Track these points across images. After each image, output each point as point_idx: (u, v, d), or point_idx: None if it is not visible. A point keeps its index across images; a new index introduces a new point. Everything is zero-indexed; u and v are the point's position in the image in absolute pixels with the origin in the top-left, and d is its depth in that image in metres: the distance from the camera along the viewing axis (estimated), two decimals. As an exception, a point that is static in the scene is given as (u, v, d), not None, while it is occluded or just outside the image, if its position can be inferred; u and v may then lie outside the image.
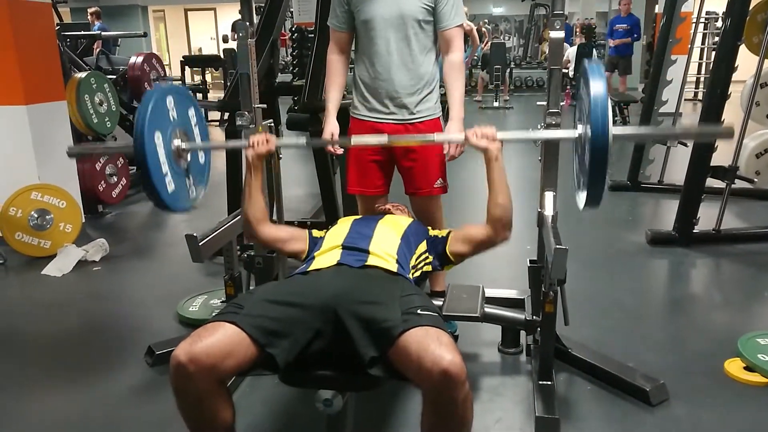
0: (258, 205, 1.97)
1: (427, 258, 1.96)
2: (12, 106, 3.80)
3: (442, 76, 2.38)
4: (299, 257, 1.95)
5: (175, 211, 1.97)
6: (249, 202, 1.97)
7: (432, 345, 1.35)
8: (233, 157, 3.52)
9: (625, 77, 9.44)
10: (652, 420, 2.04)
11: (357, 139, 2.16)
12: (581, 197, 1.82)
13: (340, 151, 2.41)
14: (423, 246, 1.97)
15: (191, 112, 2.08)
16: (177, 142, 1.97)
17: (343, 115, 2.48)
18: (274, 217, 2.64)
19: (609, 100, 1.66)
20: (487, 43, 12.78)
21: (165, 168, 1.89)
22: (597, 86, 1.65)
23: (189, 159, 2.03)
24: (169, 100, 1.95)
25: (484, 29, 14.87)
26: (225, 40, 3.08)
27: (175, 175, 1.94)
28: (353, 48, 2.47)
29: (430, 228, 2.10)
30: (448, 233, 1.99)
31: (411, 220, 2.12)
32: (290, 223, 3.62)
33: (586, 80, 1.75)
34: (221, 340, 1.43)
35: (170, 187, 1.91)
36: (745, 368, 2.30)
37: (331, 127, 2.40)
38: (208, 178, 2.25)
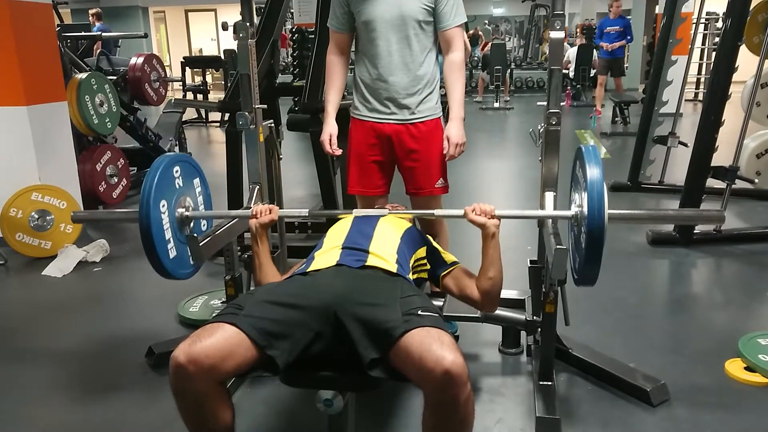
0: (271, 274, 1.96)
1: (425, 265, 1.97)
2: (13, 106, 3.80)
3: (443, 75, 2.38)
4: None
5: (175, 278, 1.99)
6: (261, 274, 1.97)
7: (434, 345, 1.35)
8: (234, 159, 3.52)
9: (621, 78, 9.42)
10: (653, 420, 2.04)
11: (359, 212, 2.07)
12: (577, 275, 1.84)
13: (339, 151, 2.41)
14: (422, 251, 1.97)
15: (196, 181, 2.13)
16: (182, 210, 1.99)
17: (343, 116, 2.49)
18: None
19: (604, 186, 1.69)
20: (485, 46, 12.79)
21: (168, 235, 1.91)
22: (593, 172, 1.69)
23: (192, 226, 2.06)
24: (176, 169, 1.98)
25: (480, 32, 14.89)
26: (224, 27, 3.09)
27: (177, 242, 1.96)
28: (353, 49, 2.48)
29: (432, 239, 2.09)
30: (453, 265, 1.98)
31: (410, 224, 2.11)
32: (290, 225, 3.65)
33: (582, 164, 1.77)
34: (221, 341, 1.43)
35: (172, 253, 1.94)
36: (745, 368, 2.30)
37: (330, 128, 2.40)
38: None
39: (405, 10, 2.26)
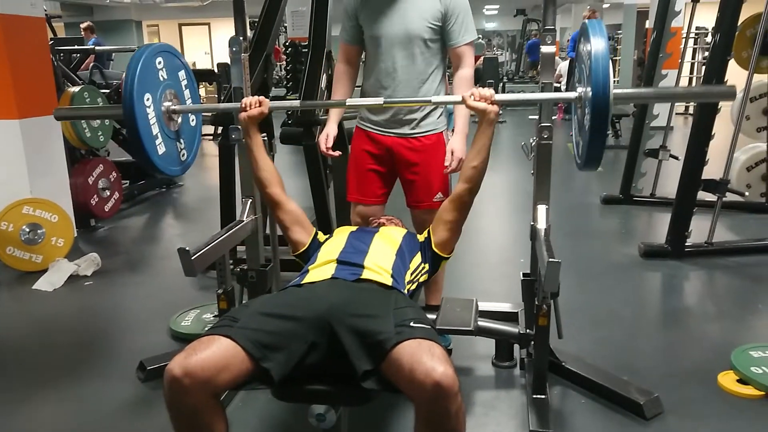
0: (267, 166, 2.00)
1: (423, 268, 1.97)
2: (5, 120, 3.79)
3: (452, 90, 2.39)
4: (296, 247, 1.99)
5: (166, 174, 1.96)
6: (256, 165, 2.01)
7: (424, 357, 1.35)
8: (227, 172, 3.52)
9: None
10: (647, 433, 2.04)
11: (352, 101, 2.19)
12: (581, 159, 1.81)
13: (335, 153, 2.40)
14: (418, 258, 1.98)
15: (182, 73, 2.06)
16: (168, 104, 1.94)
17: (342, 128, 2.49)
18: (267, 230, 2.64)
19: (609, 62, 1.64)
20: (477, 60, 12.88)
21: (155, 130, 1.86)
22: (598, 44, 1.62)
23: (180, 122, 2.01)
24: (159, 61, 1.92)
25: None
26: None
27: (165, 138, 1.91)
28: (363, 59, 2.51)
29: (418, 235, 2.10)
30: (428, 232, 2.01)
31: (405, 231, 2.12)
32: (284, 238, 3.63)
33: (586, 38, 1.73)
34: (216, 353, 1.42)
35: (161, 149, 1.88)
36: (738, 381, 2.31)
37: (329, 129, 2.42)
38: (198, 143, 2.24)
39: (411, 28, 2.27)
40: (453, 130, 2.36)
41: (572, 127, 1.90)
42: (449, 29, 2.30)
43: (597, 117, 1.62)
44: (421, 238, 2.05)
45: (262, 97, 2.04)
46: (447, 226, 1.96)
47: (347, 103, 2.23)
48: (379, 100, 2.13)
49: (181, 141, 2.07)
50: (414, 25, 2.27)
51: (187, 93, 2.08)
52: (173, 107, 1.97)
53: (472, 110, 1.92)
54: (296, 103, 2.17)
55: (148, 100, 1.84)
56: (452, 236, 1.97)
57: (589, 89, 1.64)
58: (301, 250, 1.99)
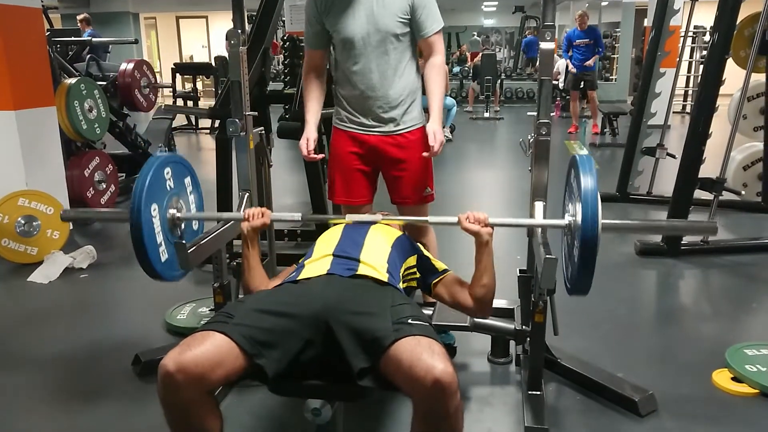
0: (259, 278, 1.95)
1: (414, 273, 1.97)
2: (1, 111, 3.77)
3: (424, 78, 2.38)
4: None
5: (167, 281, 1.97)
6: (250, 277, 1.95)
7: (424, 354, 1.35)
8: (224, 166, 3.51)
9: (594, 92, 9.12)
10: (641, 430, 2.05)
11: (351, 217, 2.05)
12: (569, 284, 1.85)
13: (317, 156, 2.37)
14: (413, 260, 1.97)
15: (187, 180, 2.10)
16: (173, 211, 1.97)
17: (327, 123, 2.47)
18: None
19: (598, 196, 1.69)
20: (474, 57, 12.86)
21: (159, 238, 1.89)
22: (587, 182, 1.70)
23: (183, 228, 2.04)
24: (167, 171, 1.96)
25: (467, 53, 15.00)
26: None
27: (168, 245, 1.94)
28: (332, 61, 2.47)
29: (422, 247, 2.09)
30: (444, 272, 1.98)
31: (401, 232, 2.11)
32: (280, 232, 3.64)
33: (576, 174, 1.78)
34: (210, 349, 1.41)
35: (163, 256, 1.92)
36: (732, 379, 2.32)
37: (308, 133, 2.35)
38: None
39: (382, 26, 2.25)
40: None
41: (561, 250, 1.95)
42: (418, 20, 2.28)
43: (586, 248, 1.67)
44: (431, 257, 2.03)
45: (264, 209, 2.01)
46: (451, 300, 1.94)
47: (347, 219, 2.04)
48: (377, 217, 2.02)
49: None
50: (384, 21, 2.24)
51: (191, 198, 2.11)
52: (178, 215, 1.99)
53: (466, 232, 1.88)
54: (297, 215, 2.13)
55: (154, 210, 1.88)
56: (447, 304, 1.97)
57: (578, 220, 1.70)
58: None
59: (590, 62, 8.83)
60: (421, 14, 2.27)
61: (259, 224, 1.97)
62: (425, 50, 2.35)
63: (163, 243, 1.92)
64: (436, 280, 1.97)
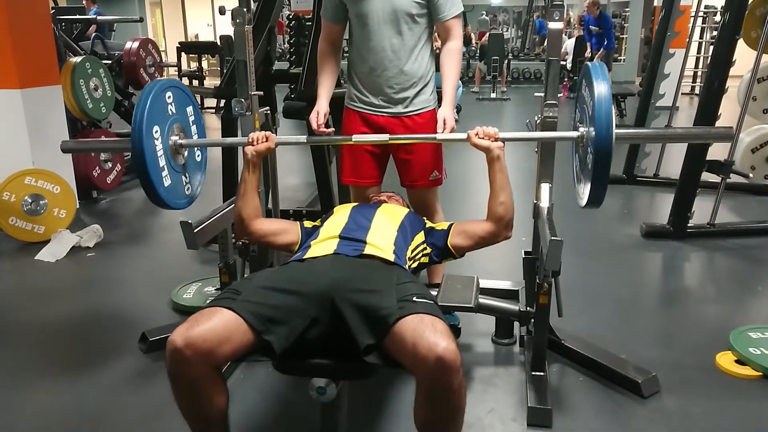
0: (252, 204, 1.95)
1: (424, 249, 1.97)
2: (6, 89, 3.77)
3: (439, 62, 2.36)
4: (290, 249, 1.95)
5: (170, 207, 1.96)
6: (243, 200, 1.95)
7: (427, 332, 1.36)
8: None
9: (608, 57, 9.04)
10: (644, 412, 2.06)
11: (358, 138, 2.14)
12: (583, 197, 1.83)
13: (327, 130, 2.36)
14: (420, 237, 1.98)
15: (189, 109, 2.08)
16: (175, 138, 1.96)
17: (337, 104, 2.47)
18: (269, 205, 2.63)
19: (612, 104, 1.66)
20: (482, 36, 12.75)
21: (162, 162, 1.88)
22: (600, 87, 1.65)
23: (186, 156, 2.02)
24: (168, 95, 1.94)
25: (472, 33, 14.85)
26: (222, 12, 3.04)
27: (171, 171, 1.93)
28: (346, 38, 2.46)
29: (427, 220, 2.10)
30: (450, 226, 2.00)
31: (407, 210, 2.12)
32: (285, 212, 3.64)
33: (588, 81, 1.74)
34: (218, 325, 1.42)
35: (167, 182, 1.90)
36: (736, 361, 2.32)
37: (320, 107, 2.35)
38: (203, 179, 2.25)
39: (397, 5, 2.23)
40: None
41: (572, 167, 1.92)
42: (436, 3, 2.25)
43: (600, 158, 1.65)
44: (435, 226, 2.05)
45: (268, 132, 2.01)
46: (471, 239, 1.96)
47: (353, 140, 2.14)
48: (384, 137, 2.10)
49: (187, 175, 2.09)
50: (400, 1, 2.23)
51: (194, 129, 2.10)
52: (180, 141, 1.98)
53: (476, 148, 1.89)
54: (303, 138, 2.14)
55: (156, 132, 1.87)
56: (470, 247, 1.98)
57: (591, 129, 1.67)
58: (297, 246, 1.95)
59: (599, 54, 8.80)
60: None
61: (264, 148, 1.98)
62: (442, 34, 2.33)
63: (165, 168, 1.90)
64: (448, 236, 1.98)
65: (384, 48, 2.28)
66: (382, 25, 2.25)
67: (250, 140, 1.98)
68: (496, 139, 1.86)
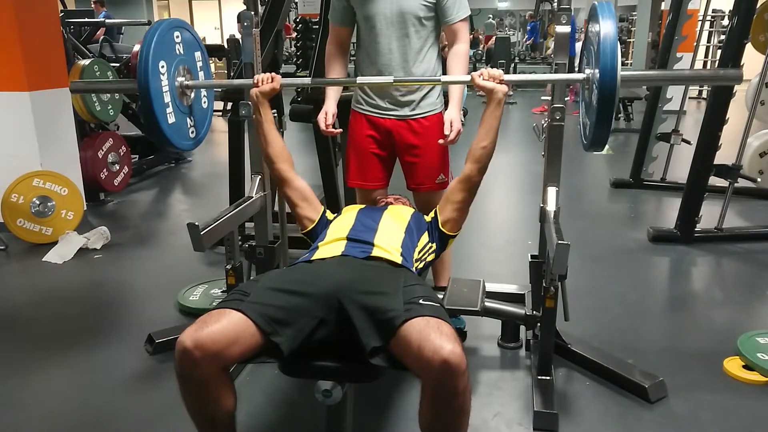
0: (277, 143, 2.02)
1: (430, 247, 1.98)
2: (15, 92, 3.79)
3: (446, 65, 2.37)
4: (304, 224, 1.99)
5: (173, 146, 1.95)
6: (266, 141, 2.02)
7: (433, 335, 1.35)
8: (236, 148, 3.51)
9: None
10: (651, 417, 2.05)
11: (362, 79, 2.17)
12: (587, 139, 1.82)
13: (335, 131, 2.37)
14: (425, 237, 1.98)
15: (197, 54, 2.08)
16: (181, 78, 1.96)
17: (344, 107, 2.47)
18: (276, 208, 2.64)
19: (618, 44, 1.65)
20: (488, 40, 12.76)
21: (167, 99, 1.87)
22: (606, 26, 1.64)
23: (192, 98, 2.02)
24: (176, 35, 1.94)
25: (480, 35, 14.86)
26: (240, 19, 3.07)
27: (176, 110, 1.92)
28: (354, 41, 2.46)
29: (424, 216, 2.10)
30: (434, 210, 2.02)
31: (413, 210, 2.12)
32: (291, 215, 3.64)
33: (595, 20, 1.73)
34: (227, 327, 1.43)
35: (171, 119, 1.89)
36: (744, 367, 2.31)
37: (328, 108, 2.36)
38: (209, 124, 2.25)
39: (405, 7, 2.23)
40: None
41: (579, 108, 1.91)
42: (444, 6, 2.26)
43: (604, 98, 1.63)
44: (427, 218, 2.05)
45: (273, 74, 2.04)
46: (455, 206, 1.97)
47: (358, 82, 2.20)
48: (389, 79, 2.11)
49: (192, 118, 2.08)
50: (408, 3, 2.23)
51: (201, 74, 2.09)
52: (186, 82, 1.98)
53: (480, 89, 1.91)
54: (307, 80, 2.16)
55: (162, 67, 1.86)
56: (459, 216, 1.98)
57: (597, 71, 1.64)
58: (310, 228, 1.99)
59: None
60: (447, 0, 2.25)
61: (269, 89, 2.01)
62: (449, 37, 2.33)
63: (170, 105, 1.90)
64: (437, 220, 1.99)
65: (391, 50, 2.28)
66: (389, 28, 2.26)
67: (255, 81, 2.02)
68: (501, 81, 1.87)
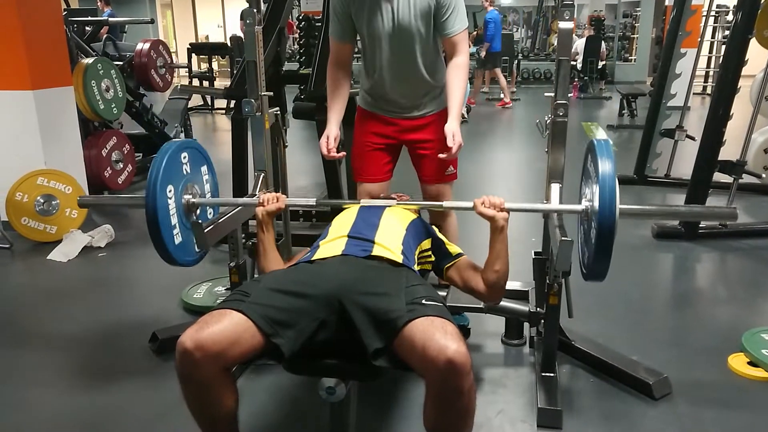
0: (275, 261, 1.96)
1: (429, 257, 1.97)
2: (19, 90, 3.80)
3: (446, 76, 2.35)
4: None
5: (179, 265, 1.99)
6: (265, 260, 1.97)
7: (437, 334, 1.35)
8: (239, 146, 3.51)
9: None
10: (655, 413, 2.04)
11: (366, 202, 2.08)
12: (585, 269, 1.84)
13: (339, 155, 2.36)
14: (427, 243, 1.98)
15: (204, 168, 2.12)
16: (188, 197, 1.99)
17: (350, 106, 2.47)
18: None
19: (616, 182, 1.68)
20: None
21: (174, 221, 1.91)
22: (605, 166, 1.69)
23: (198, 213, 2.05)
24: (184, 155, 1.98)
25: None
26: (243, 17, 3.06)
27: (183, 229, 1.96)
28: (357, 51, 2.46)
29: (437, 230, 2.09)
30: (457, 257, 1.99)
31: (416, 216, 2.10)
32: (295, 213, 3.65)
33: (594, 158, 1.77)
34: (228, 327, 1.43)
35: (177, 239, 1.93)
36: (748, 363, 2.30)
37: (330, 131, 2.30)
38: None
39: (407, 24, 2.21)
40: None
41: (577, 236, 1.93)
42: (443, 20, 2.23)
43: (603, 235, 1.66)
44: (445, 241, 2.04)
45: (279, 194, 2.03)
46: (463, 284, 1.96)
47: (361, 203, 2.07)
48: (391, 202, 2.07)
49: None
50: (410, 19, 2.21)
51: (207, 187, 2.13)
52: (193, 200, 2.00)
53: (481, 217, 1.88)
54: (312, 201, 2.15)
55: (170, 191, 1.90)
56: (457, 286, 1.99)
57: (596, 205, 1.68)
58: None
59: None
60: (445, 14, 2.23)
61: (274, 209, 1.99)
62: (448, 49, 2.31)
63: (177, 226, 1.94)
64: (449, 264, 1.97)
65: (394, 66, 2.28)
66: (391, 44, 2.25)
67: (261, 201, 1.99)
68: (502, 209, 1.85)
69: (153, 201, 1.83)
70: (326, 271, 1.64)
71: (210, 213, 2.23)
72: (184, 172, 1.99)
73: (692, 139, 4.60)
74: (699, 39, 5.36)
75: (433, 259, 1.99)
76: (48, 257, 3.52)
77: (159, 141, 5.32)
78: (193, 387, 1.45)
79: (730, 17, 8.89)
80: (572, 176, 2.08)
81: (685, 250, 3.61)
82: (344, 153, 2.34)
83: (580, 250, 1.93)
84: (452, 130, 2.17)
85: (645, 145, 5.06)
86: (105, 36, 6.16)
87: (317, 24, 4.13)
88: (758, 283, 3.21)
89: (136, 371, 2.34)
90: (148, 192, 1.83)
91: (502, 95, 10.38)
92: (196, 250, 2.05)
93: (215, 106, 10.21)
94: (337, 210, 2.12)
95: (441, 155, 2.19)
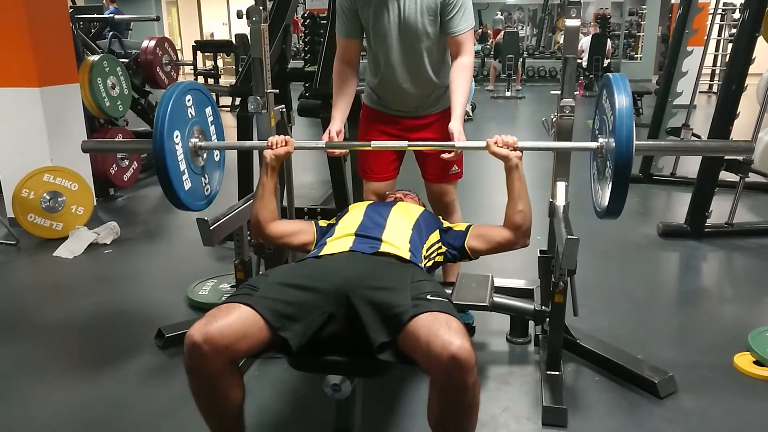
0: (269, 208, 1.96)
1: (440, 248, 1.97)
2: (25, 88, 3.81)
3: (450, 76, 2.35)
4: (307, 248, 1.96)
5: (190, 209, 1.98)
6: (260, 203, 1.95)
7: (441, 330, 1.36)
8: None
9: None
10: (660, 412, 2.04)
11: (377, 144, 2.13)
12: (600, 206, 1.83)
13: (343, 152, 2.34)
14: (435, 236, 1.98)
15: (208, 110, 2.10)
16: (195, 140, 1.98)
17: (355, 101, 2.47)
18: (284, 203, 2.64)
19: (633, 117, 1.67)
20: (496, 34, 12.65)
21: (183, 166, 1.90)
22: (622, 100, 1.67)
23: (205, 157, 2.04)
24: (188, 98, 1.96)
25: (489, 31, 14.79)
26: (239, 15, 3.03)
27: (191, 174, 1.95)
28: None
29: (443, 219, 2.10)
30: (468, 228, 2.00)
31: (422, 209, 2.12)
32: (300, 210, 3.65)
33: (609, 92, 1.74)
34: (236, 321, 1.43)
35: (187, 185, 1.93)
36: (754, 362, 2.29)
37: (334, 127, 2.28)
38: (221, 178, 2.27)
39: (413, 22, 2.21)
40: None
41: (590, 173, 1.92)
42: (449, 19, 2.22)
43: (619, 171, 1.65)
44: (452, 225, 2.05)
45: (287, 137, 2.01)
46: (488, 244, 1.97)
47: (372, 146, 2.13)
48: (403, 143, 2.10)
49: (206, 176, 2.11)
50: (416, 18, 2.20)
51: (212, 129, 2.12)
52: (200, 144, 2.00)
53: (495, 156, 1.89)
54: (321, 143, 2.14)
55: (177, 137, 1.89)
56: (487, 251, 1.99)
57: (611, 140, 1.67)
58: (314, 244, 1.96)
59: None
60: (451, 12, 2.22)
61: (283, 152, 1.99)
62: (453, 48, 2.30)
63: (186, 171, 1.93)
64: (466, 237, 1.98)
65: (400, 64, 2.28)
66: (397, 42, 2.25)
67: (270, 144, 1.98)
68: (515, 148, 1.86)
69: (161, 147, 1.81)
70: (334, 265, 1.65)
71: (217, 154, 2.21)
72: (189, 115, 1.96)
73: (698, 137, 4.58)
74: (705, 37, 5.34)
75: (444, 249, 1.99)
76: (54, 254, 3.54)
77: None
78: (201, 380, 1.46)
79: (737, 15, 8.86)
80: (577, 174, 2.08)
81: (691, 249, 3.59)
82: (346, 150, 2.34)
83: (593, 188, 1.92)
84: (457, 129, 2.17)
85: (650, 144, 5.04)
86: (111, 33, 6.17)
87: (322, 22, 4.13)
88: (764, 282, 3.20)
89: (142, 367, 2.35)
90: (155, 139, 1.82)
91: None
92: (206, 194, 2.04)
93: (220, 104, 10.20)
94: (343, 206, 2.13)
95: (444, 155, 2.18)
